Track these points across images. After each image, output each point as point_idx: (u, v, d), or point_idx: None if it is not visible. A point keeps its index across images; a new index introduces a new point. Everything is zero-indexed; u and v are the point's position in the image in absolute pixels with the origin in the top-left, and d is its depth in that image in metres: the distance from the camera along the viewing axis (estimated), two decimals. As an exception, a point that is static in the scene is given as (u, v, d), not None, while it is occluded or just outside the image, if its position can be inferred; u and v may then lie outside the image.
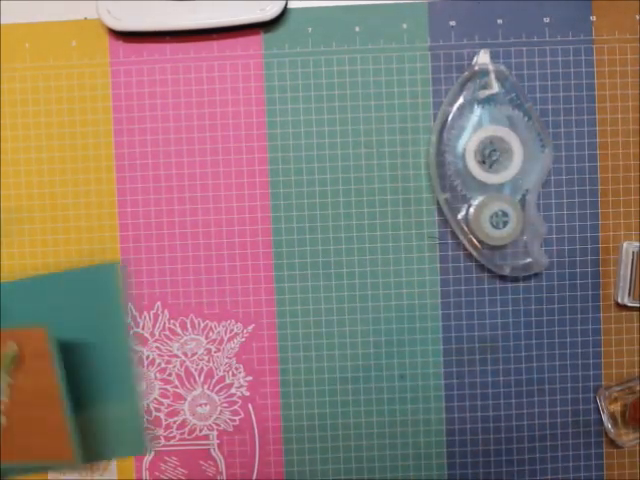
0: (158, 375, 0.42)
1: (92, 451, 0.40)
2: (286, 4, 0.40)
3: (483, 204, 0.39)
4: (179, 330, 0.42)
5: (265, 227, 0.42)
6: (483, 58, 0.39)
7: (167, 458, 0.42)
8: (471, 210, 0.40)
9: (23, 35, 0.41)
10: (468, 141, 0.39)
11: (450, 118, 0.39)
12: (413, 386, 0.42)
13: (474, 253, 0.41)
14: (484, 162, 0.39)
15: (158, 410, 0.42)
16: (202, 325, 0.42)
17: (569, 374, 0.42)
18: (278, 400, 0.42)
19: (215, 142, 0.41)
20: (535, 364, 0.42)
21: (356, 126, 0.41)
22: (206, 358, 0.42)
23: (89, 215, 0.42)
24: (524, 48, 0.41)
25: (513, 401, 0.42)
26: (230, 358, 0.42)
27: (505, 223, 0.40)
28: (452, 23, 0.41)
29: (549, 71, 0.41)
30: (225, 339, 0.42)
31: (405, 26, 0.41)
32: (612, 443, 0.42)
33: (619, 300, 0.41)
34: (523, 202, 0.40)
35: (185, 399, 0.42)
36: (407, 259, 0.41)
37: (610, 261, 0.42)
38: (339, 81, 0.41)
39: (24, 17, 0.41)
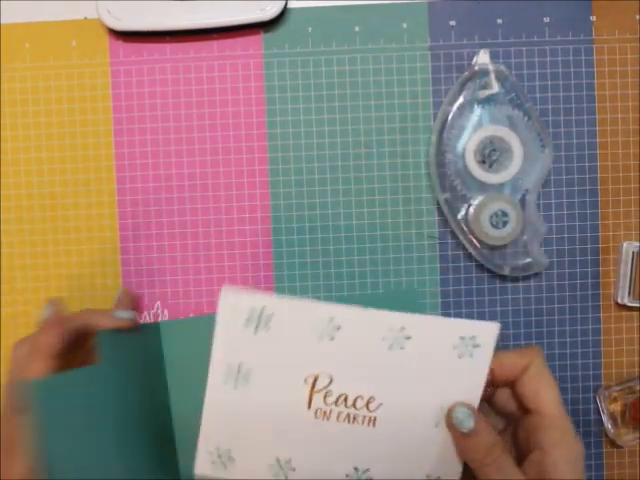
0: (158, 375, 0.42)
1: None
2: (286, 4, 0.40)
3: (483, 204, 0.39)
4: (179, 330, 0.42)
5: (265, 227, 0.42)
6: (483, 58, 0.39)
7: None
8: (471, 210, 0.40)
9: (23, 35, 0.41)
10: (468, 141, 0.39)
11: (450, 118, 0.39)
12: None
13: (474, 253, 0.41)
14: (484, 162, 0.39)
15: (158, 410, 0.42)
16: (202, 325, 0.42)
17: (569, 374, 0.42)
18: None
19: (215, 142, 0.41)
20: (535, 364, 0.42)
21: (356, 126, 0.41)
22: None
23: (89, 215, 0.42)
24: (524, 48, 0.41)
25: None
26: (230, 358, 0.42)
27: (505, 223, 0.40)
28: (452, 23, 0.41)
29: (549, 71, 0.41)
30: (225, 339, 0.42)
31: (405, 26, 0.41)
32: (612, 443, 0.42)
33: (619, 300, 0.41)
34: (523, 202, 0.40)
35: (185, 399, 0.42)
36: (407, 259, 0.41)
37: (610, 261, 0.42)
38: (339, 81, 0.41)
39: (24, 17, 0.41)
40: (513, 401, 0.36)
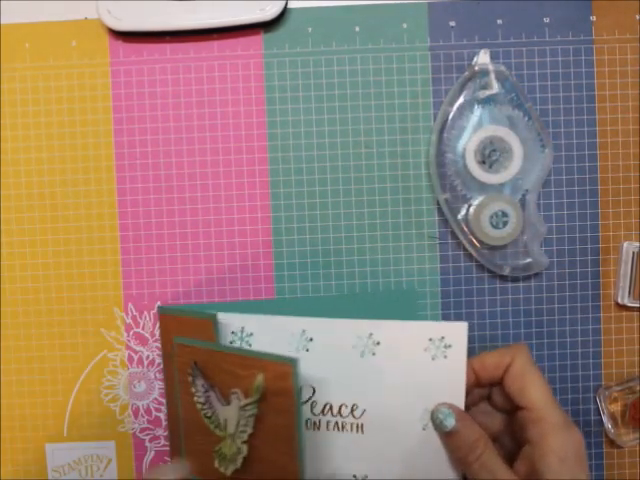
0: (158, 375, 0.42)
1: None
2: (286, 4, 0.40)
3: (483, 204, 0.39)
4: (179, 330, 0.42)
5: (265, 227, 0.41)
6: (483, 58, 0.39)
7: (167, 458, 0.42)
8: (471, 210, 0.40)
9: (23, 35, 0.41)
10: (468, 141, 0.39)
11: (450, 118, 0.39)
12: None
13: (474, 253, 0.41)
14: (484, 162, 0.39)
15: (158, 410, 0.42)
16: (202, 325, 0.42)
17: (569, 374, 0.42)
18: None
19: (215, 142, 0.41)
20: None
21: (356, 126, 0.41)
22: (206, 358, 0.42)
23: (89, 215, 0.42)
24: (524, 48, 0.41)
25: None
26: (230, 358, 0.42)
27: (505, 223, 0.40)
28: (452, 23, 0.41)
29: (549, 71, 0.41)
30: (225, 339, 0.42)
31: (405, 26, 0.41)
32: (612, 443, 0.42)
33: (619, 300, 0.41)
34: (523, 202, 0.40)
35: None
36: (407, 259, 0.41)
37: (610, 261, 0.42)
38: (339, 81, 0.41)
39: (24, 17, 0.41)
40: (509, 400, 0.37)
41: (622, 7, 0.41)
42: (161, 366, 0.42)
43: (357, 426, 0.38)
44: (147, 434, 0.42)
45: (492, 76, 0.39)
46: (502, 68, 0.39)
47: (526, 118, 0.39)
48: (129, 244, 0.42)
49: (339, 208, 0.41)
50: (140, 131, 0.41)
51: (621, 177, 0.42)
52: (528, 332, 0.42)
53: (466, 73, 0.40)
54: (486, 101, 0.39)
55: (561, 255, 0.42)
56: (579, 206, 0.42)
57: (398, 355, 0.37)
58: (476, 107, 0.39)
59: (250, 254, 0.42)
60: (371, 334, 0.37)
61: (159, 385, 0.42)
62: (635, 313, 0.42)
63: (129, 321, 0.42)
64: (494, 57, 0.41)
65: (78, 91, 0.41)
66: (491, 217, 0.39)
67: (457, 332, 0.37)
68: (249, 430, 0.35)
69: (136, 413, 0.42)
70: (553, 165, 0.41)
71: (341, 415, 0.38)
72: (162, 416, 0.42)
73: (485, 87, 0.39)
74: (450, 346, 0.37)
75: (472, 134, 0.39)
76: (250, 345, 0.38)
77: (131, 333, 0.42)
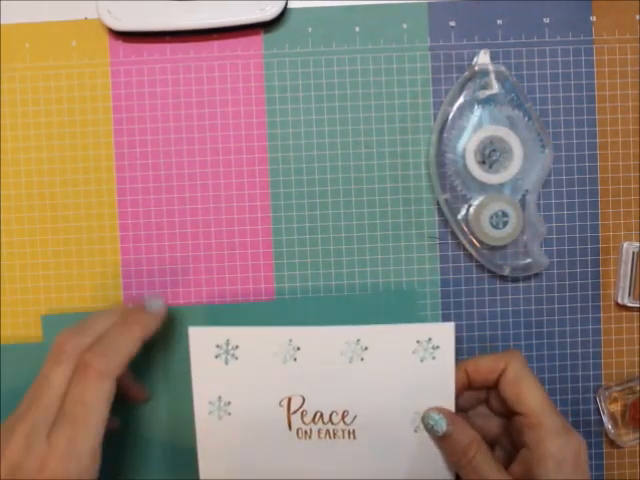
0: (158, 375, 0.42)
1: None
2: (286, 4, 0.40)
3: (483, 204, 0.39)
4: (179, 330, 0.42)
5: (265, 227, 0.41)
6: (483, 58, 0.39)
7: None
8: (471, 210, 0.40)
9: (23, 35, 0.41)
10: (468, 141, 0.39)
11: (450, 118, 0.39)
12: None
13: (474, 253, 0.41)
14: (484, 162, 0.39)
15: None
16: (202, 325, 0.42)
17: (569, 374, 0.42)
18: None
19: (215, 142, 0.41)
20: (535, 364, 0.42)
21: (356, 126, 0.41)
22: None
23: (89, 215, 0.42)
24: (524, 48, 0.41)
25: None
26: (230, 358, 0.42)
27: (505, 223, 0.40)
28: (452, 23, 0.41)
29: (549, 71, 0.41)
30: (225, 339, 0.42)
31: (405, 26, 0.41)
32: (612, 443, 0.42)
33: (619, 300, 0.41)
34: (523, 202, 0.40)
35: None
36: (407, 259, 0.41)
37: (610, 261, 0.42)
38: (339, 81, 0.41)
39: (24, 17, 0.41)
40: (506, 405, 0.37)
41: (622, 7, 0.41)
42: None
43: (349, 432, 0.38)
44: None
45: (492, 76, 0.39)
46: (502, 68, 0.39)
47: (526, 118, 0.39)
48: (129, 244, 0.42)
49: (339, 208, 0.41)
50: (140, 131, 0.41)
51: (621, 177, 0.42)
52: (528, 332, 0.42)
53: (466, 73, 0.40)
54: (486, 101, 0.39)
55: (561, 255, 0.42)
56: (579, 206, 0.42)
57: (387, 359, 0.37)
58: (476, 107, 0.39)
59: (250, 254, 0.42)
60: (359, 340, 0.37)
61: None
62: (635, 313, 0.42)
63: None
64: (494, 57, 0.41)
65: (78, 91, 0.41)
66: (491, 217, 0.39)
67: (444, 333, 0.37)
68: None
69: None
70: (553, 165, 0.41)
71: (332, 422, 0.38)
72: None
73: (485, 87, 0.39)
74: (438, 347, 0.37)
75: (472, 134, 0.39)
76: (237, 358, 0.37)
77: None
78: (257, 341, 0.37)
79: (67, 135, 0.41)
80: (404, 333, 0.37)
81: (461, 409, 0.38)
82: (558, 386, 0.42)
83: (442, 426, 0.36)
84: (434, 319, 0.41)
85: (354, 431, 0.38)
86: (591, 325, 0.42)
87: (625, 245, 0.41)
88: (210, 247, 0.41)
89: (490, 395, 0.38)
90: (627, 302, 0.41)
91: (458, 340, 0.41)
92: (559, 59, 0.41)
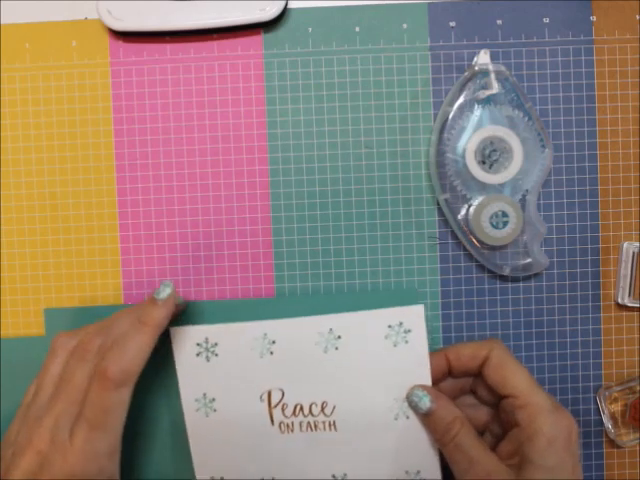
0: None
1: None
2: (286, 4, 0.40)
3: (483, 204, 0.39)
4: (179, 330, 0.42)
5: (265, 227, 0.41)
6: (483, 58, 0.39)
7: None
8: (471, 210, 0.40)
9: (23, 35, 0.41)
10: (468, 141, 0.39)
11: (450, 118, 0.39)
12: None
13: (474, 253, 0.41)
14: (484, 162, 0.39)
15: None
16: (202, 325, 0.42)
17: (569, 374, 0.42)
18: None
19: (215, 142, 0.41)
20: (535, 364, 0.42)
21: (356, 126, 0.41)
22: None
23: (89, 215, 0.42)
24: (524, 48, 0.41)
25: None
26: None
27: (505, 223, 0.40)
28: (452, 24, 0.41)
29: (549, 71, 0.41)
30: (225, 339, 0.42)
31: (405, 26, 0.41)
32: (612, 443, 0.42)
33: (619, 300, 0.41)
34: (523, 202, 0.40)
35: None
36: (407, 259, 0.41)
37: (610, 261, 0.42)
38: (339, 81, 0.41)
39: (24, 17, 0.41)
40: (493, 393, 0.37)
41: (622, 7, 0.41)
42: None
43: (330, 424, 0.38)
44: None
45: (492, 76, 0.39)
46: (502, 68, 0.39)
47: (526, 118, 0.39)
48: (129, 244, 0.42)
49: (339, 208, 0.41)
50: (140, 131, 0.41)
51: (621, 177, 0.42)
52: (528, 332, 0.42)
53: (466, 73, 0.40)
54: (486, 101, 0.39)
55: (561, 255, 0.42)
56: (579, 206, 0.42)
57: (360, 346, 0.38)
58: (476, 107, 0.39)
59: (250, 254, 0.42)
60: (331, 329, 0.38)
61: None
62: (635, 313, 0.42)
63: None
64: (494, 57, 0.41)
65: (78, 91, 0.41)
66: (491, 217, 0.39)
67: (414, 315, 0.37)
68: None
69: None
70: (553, 165, 0.41)
71: (312, 414, 0.38)
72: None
73: (485, 87, 0.39)
74: (410, 330, 0.37)
75: (472, 134, 0.39)
76: (217, 355, 0.38)
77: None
78: (234, 337, 0.38)
79: (67, 135, 0.41)
80: (375, 319, 0.38)
81: (454, 376, 0.38)
82: (558, 386, 0.42)
83: (426, 403, 0.36)
84: (434, 319, 0.41)
85: (334, 422, 0.38)
86: (591, 325, 0.42)
87: (625, 245, 0.41)
88: (210, 247, 0.41)
89: (476, 384, 0.38)
90: (627, 302, 0.41)
91: (458, 340, 0.41)
92: (559, 59, 0.41)
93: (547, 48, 0.41)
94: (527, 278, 0.42)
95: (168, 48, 0.41)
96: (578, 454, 0.34)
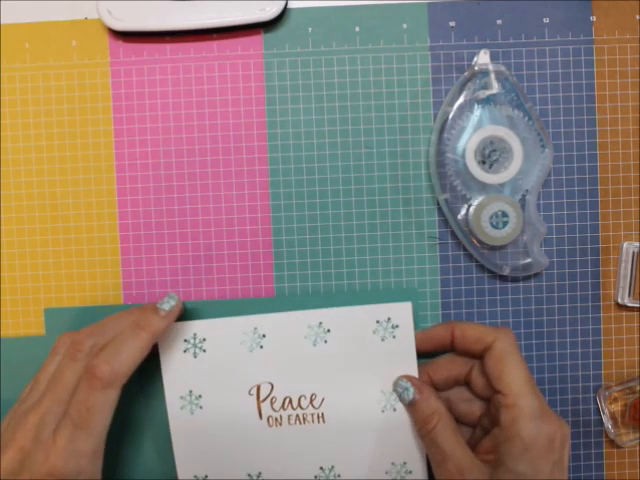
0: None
1: None
2: (286, 4, 0.40)
3: (483, 204, 0.39)
4: (179, 330, 0.42)
5: (265, 227, 0.41)
6: (483, 58, 0.39)
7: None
8: (471, 210, 0.40)
9: (23, 35, 0.41)
10: (468, 141, 0.39)
11: (450, 118, 0.39)
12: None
13: (474, 253, 0.41)
14: (484, 162, 0.39)
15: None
16: (202, 325, 0.42)
17: (569, 374, 0.42)
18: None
19: (215, 142, 0.41)
20: (535, 364, 0.42)
21: (356, 126, 0.41)
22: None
23: (89, 215, 0.42)
24: (524, 48, 0.41)
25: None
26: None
27: (505, 223, 0.40)
28: (452, 23, 0.41)
29: (549, 71, 0.41)
30: (225, 339, 0.42)
31: (405, 26, 0.41)
32: (612, 443, 0.42)
33: (619, 300, 0.41)
34: (523, 202, 0.40)
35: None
36: (407, 259, 0.41)
37: (610, 261, 0.42)
38: (339, 81, 0.41)
39: (24, 17, 0.41)
40: (489, 386, 0.37)
41: (622, 7, 0.41)
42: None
43: (318, 416, 0.38)
44: None
45: (492, 76, 0.39)
46: (502, 68, 0.39)
47: (526, 118, 0.39)
48: (129, 244, 0.42)
49: (339, 208, 0.41)
50: (140, 131, 0.41)
51: (621, 177, 0.42)
52: (528, 332, 0.42)
53: (466, 73, 0.40)
54: (486, 101, 0.39)
55: (561, 255, 0.42)
56: (579, 206, 0.42)
57: (349, 340, 0.38)
58: (476, 107, 0.39)
59: (250, 254, 0.42)
60: (320, 322, 0.38)
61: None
62: (635, 313, 0.42)
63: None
64: (494, 57, 0.41)
65: (78, 91, 0.41)
66: (491, 217, 0.39)
67: (402, 312, 0.38)
68: None
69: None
70: (553, 165, 0.41)
71: (301, 407, 0.38)
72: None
73: (485, 87, 0.39)
74: (397, 326, 0.38)
75: (472, 134, 0.39)
76: (205, 351, 0.38)
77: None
78: (223, 332, 0.38)
79: (67, 135, 0.41)
80: (364, 314, 0.38)
81: (437, 388, 0.38)
82: (558, 386, 0.42)
83: (409, 394, 0.37)
84: (434, 319, 0.41)
85: (323, 414, 0.38)
86: (591, 325, 0.42)
87: (625, 245, 0.41)
88: (210, 247, 0.41)
89: (472, 378, 0.38)
90: (627, 302, 0.41)
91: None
92: (559, 59, 0.41)
93: (547, 48, 0.41)
94: (527, 278, 0.42)
95: (168, 48, 0.41)
96: (563, 460, 0.34)
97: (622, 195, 0.42)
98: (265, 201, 0.41)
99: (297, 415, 0.38)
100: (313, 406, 0.38)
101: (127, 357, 0.34)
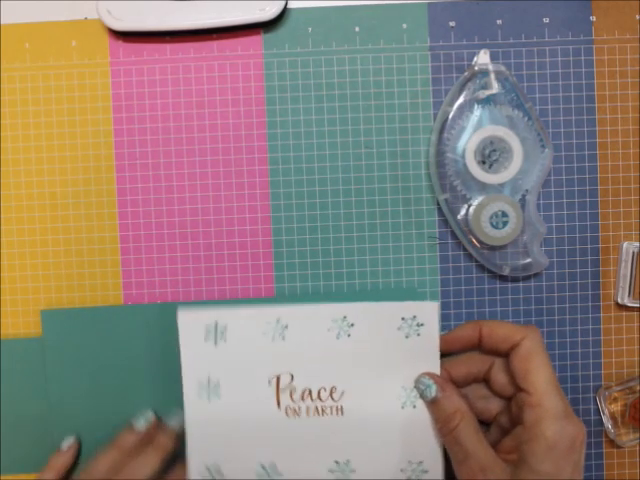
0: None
1: None
2: (286, 4, 0.40)
3: (483, 204, 0.39)
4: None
5: (265, 227, 0.41)
6: (483, 58, 0.39)
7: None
8: (471, 210, 0.40)
9: (23, 35, 0.41)
10: (468, 141, 0.39)
11: (450, 118, 0.39)
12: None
13: (474, 253, 0.41)
14: (484, 162, 0.39)
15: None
16: (202, 325, 0.41)
17: (569, 374, 0.42)
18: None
19: (215, 142, 0.41)
20: (535, 364, 0.42)
21: (356, 126, 0.41)
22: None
23: (89, 215, 0.42)
24: (524, 48, 0.41)
25: (513, 401, 0.42)
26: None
27: (505, 223, 0.40)
28: (452, 23, 0.41)
29: (549, 71, 0.41)
30: (225, 339, 0.42)
31: (405, 26, 0.41)
32: (612, 443, 0.42)
33: (619, 300, 0.41)
34: (523, 202, 0.40)
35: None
36: (407, 259, 0.41)
37: (610, 261, 0.42)
38: (339, 81, 0.41)
39: (24, 17, 0.41)
40: (510, 384, 0.37)
41: (622, 7, 0.41)
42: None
43: (337, 409, 0.38)
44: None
45: (492, 76, 0.39)
46: (502, 68, 0.39)
47: (526, 118, 0.39)
48: (129, 244, 0.42)
49: (339, 208, 0.41)
50: (140, 131, 0.41)
51: (621, 177, 0.42)
52: (528, 332, 0.42)
53: (466, 73, 0.40)
54: (486, 101, 0.39)
55: (561, 255, 0.42)
56: (579, 206, 0.42)
57: (372, 335, 0.38)
58: (476, 107, 0.39)
59: (250, 254, 0.42)
60: (345, 317, 0.38)
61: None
62: (635, 313, 0.42)
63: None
64: (494, 57, 0.41)
65: (78, 91, 0.41)
66: (491, 217, 0.39)
67: (429, 311, 0.38)
68: None
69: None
70: (553, 165, 0.41)
71: (320, 399, 0.38)
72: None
73: (485, 87, 0.39)
74: (422, 324, 0.38)
75: (472, 134, 0.39)
76: (226, 339, 0.38)
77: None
78: (246, 321, 0.38)
79: (67, 135, 0.41)
80: (389, 310, 0.38)
81: (456, 385, 0.38)
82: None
83: (431, 392, 0.36)
84: (434, 319, 0.41)
85: (342, 407, 0.38)
86: (591, 325, 0.42)
87: (625, 245, 0.41)
88: (210, 247, 0.41)
89: (492, 376, 0.38)
90: (627, 302, 0.41)
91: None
92: (559, 59, 0.41)
93: (547, 48, 0.41)
94: (527, 278, 0.42)
95: (168, 48, 0.41)
96: (582, 462, 0.34)
97: (622, 195, 0.42)
98: (265, 201, 0.41)
99: (316, 407, 0.38)
100: (332, 399, 0.38)
101: None
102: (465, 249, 0.41)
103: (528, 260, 0.41)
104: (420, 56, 0.41)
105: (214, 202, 0.41)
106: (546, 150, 0.40)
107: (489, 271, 0.41)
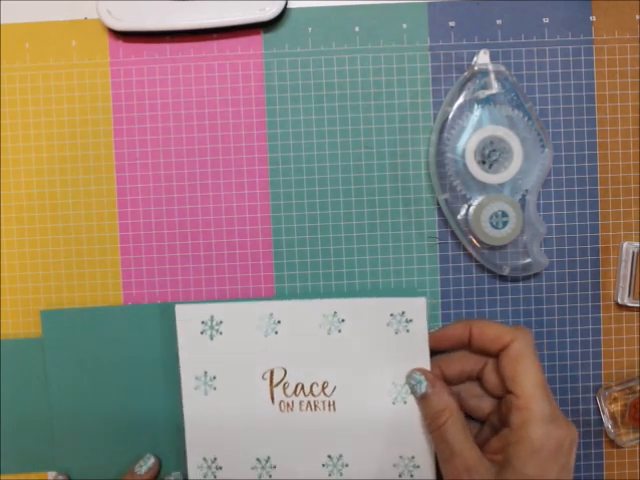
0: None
1: None
2: (286, 4, 0.40)
3: (483, 204, 0.39)
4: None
5: (265, 227, 0.42)
6: (483, 58, 0.39)
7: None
8: (471, 210, 0.40)
9: (23, 35, 0.41)
10: (468, 141, 0.39)
11: (450, 118, 0.39)
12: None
13: (474, 253, 0.41)
14: (484, 162, 0.39)
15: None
16: (202, 325, 0.42)
17: (569, 374, 0.42)
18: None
19: (215, 142, 0.41)
20: (535, 364, 0.42)
21: (356, 126, 0.41)
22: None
23: (89, 215, 0.42)
24: (523, 48, 0.41)
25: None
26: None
27: (505, 223, 0.40)
28: (452, 24, 0.41)
29: (549, 71, 0.41)
30: (225, 339, 0.42)
31: (405, 26, 0.41)
32: (612, 443, 0.42)
33: (619, 300, 0.41)
34: (523, 202, 0.40)
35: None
36: (407, 259, 0.41)
37: (610, 261, 0.42)
38: (339, 81, 0.41)
39: (24, 17, 0.41)
40: (501, 385, 0.37)
41: (622, 7, 0.41)
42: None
43: (329, 404, 0.39)
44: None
45: (492, 76, 0.39)
46: (502, 68, 0.39)
47: (526, 118, 0.39)
48: (129, 244, 0.42)
49: (339, 208, 0.41)
50: (140, 131, 0.41)
51: (621, 177, 0.42)
52: (528, 332, 0.42)
53: (466, 73, 0.40)
54: (486, 101, 0.39)
55: (561, 255, 0.42)
56: (579, 206, 0.42)
57: (362, 331, 0.39)
58: (476, 107, 0.39)
59: (250, 254, 0.42)
60: (335, 312, 0.39)
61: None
62: (635, 313, 0.42)
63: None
64: (494, 57, 0.41)
65: (78, 91, 0.41)
66: (491, 217, 0.39)
67: (417, 307, 0.38)
68: None
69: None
70: (553, 165, 0.41)
71: (313, 394, 0.39)
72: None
73: (485, 87, 0.39)
74: (411, 320, 0.38)
75: (472, 134, 0.39)
76: (221, 333, 0.39)
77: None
78: (240, 316, 0.39)
79: (67, 135, 0.41)
80: (378, 306, 0.39)
81: (449, 382, 0.38)
82: (558, 386, 0.42)
83: (422, 387, 0.37)
84: (434, 319, 0.41)
85: (334, 402, 0.39)
86: (591, 325, 0.42)
87: (625, 245, 0.41)
88: (210, 247, 0.41)
89: (484, 375, 0.38)
90: (627, 302, 0.41)
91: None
92: (559, 59, 0.41)
93: (547, 48, 0.41)
94: (527, 278, 0.42)
95: (168, 48, 0.41)
96: (570, 462, 0.34)
97: (622, 195, 0.42)
98: (265, 201, 0.41)
99: (309, 402, 0.39)
100: (325, 394, 0.39)
101: None
102: (465, 249, 0.41)
103: (528, 260, 0.41)
104: (420, 56, 0.41)
105: (214, 202, 0.41)
106: (546, 150, 0.40)
107: (489, 271, 0.41)
